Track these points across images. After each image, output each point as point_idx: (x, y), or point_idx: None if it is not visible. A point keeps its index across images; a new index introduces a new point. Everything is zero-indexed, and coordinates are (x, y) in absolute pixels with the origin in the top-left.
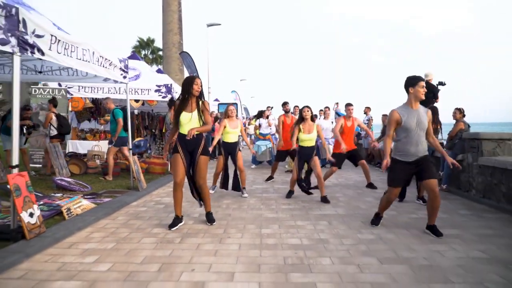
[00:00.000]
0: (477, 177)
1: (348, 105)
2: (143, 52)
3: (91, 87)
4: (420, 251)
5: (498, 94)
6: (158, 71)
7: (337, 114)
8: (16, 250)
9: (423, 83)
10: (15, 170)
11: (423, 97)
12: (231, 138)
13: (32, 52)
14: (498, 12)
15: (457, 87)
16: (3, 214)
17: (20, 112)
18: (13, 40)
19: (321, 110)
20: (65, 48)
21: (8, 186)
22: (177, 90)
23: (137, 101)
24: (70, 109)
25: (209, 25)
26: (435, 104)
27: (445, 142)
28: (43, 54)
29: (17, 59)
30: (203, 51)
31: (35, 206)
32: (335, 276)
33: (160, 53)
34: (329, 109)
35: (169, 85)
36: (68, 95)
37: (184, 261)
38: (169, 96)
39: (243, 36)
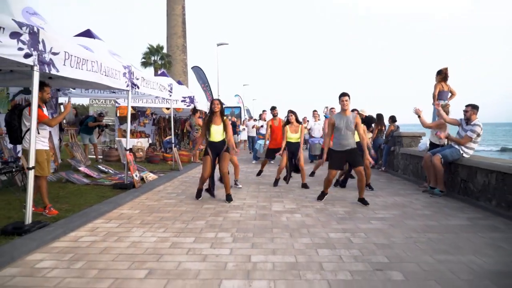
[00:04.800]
0: (401, 161)
1: (332, 108)
2: (152, 58)
3: (133, 98)
4: (342, 194)
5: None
6: (162, 73)
7: (325, 116)
8: (134, 191)
9: (342, 98)
10: (127, 152)
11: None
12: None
13: (134, 88)
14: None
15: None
16: (106, 179)
17: (97, 116)
18: (129, 82)
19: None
20: (146, 83)
21: (99, 166)
22: (197, 100)
23: (168, 108)
24: (118, 114)
25: (218, 45)
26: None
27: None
28: (138, 88)
29: (128, 92)
30: (209, 54)
31: (137, 172)
32: (293, 199)
33: (168, 58)
34: (317, 112)
35: (192, 97)
36: (116, 104)
37: (220, 194)
38: (192, 105)
39: (243, 40)
